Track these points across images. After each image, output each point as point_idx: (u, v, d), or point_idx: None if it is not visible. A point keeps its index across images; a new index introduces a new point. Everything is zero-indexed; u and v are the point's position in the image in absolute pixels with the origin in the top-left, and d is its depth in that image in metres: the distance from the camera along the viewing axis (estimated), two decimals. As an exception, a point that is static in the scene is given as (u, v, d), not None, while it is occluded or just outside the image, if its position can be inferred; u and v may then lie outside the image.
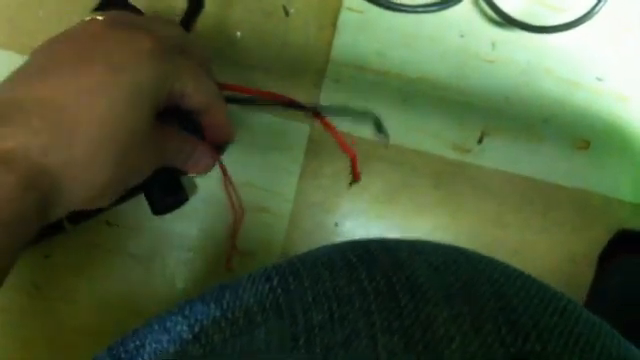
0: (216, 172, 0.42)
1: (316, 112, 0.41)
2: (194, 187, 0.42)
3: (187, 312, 0.28)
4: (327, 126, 0.39)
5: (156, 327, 0.28)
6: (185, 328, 0.27)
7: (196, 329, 0.27)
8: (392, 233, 0.45)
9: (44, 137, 0.23)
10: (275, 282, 0.27)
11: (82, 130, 0.25)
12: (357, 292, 0.24)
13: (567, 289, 0.46)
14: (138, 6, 0.37)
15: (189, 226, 0.42)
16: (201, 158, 0.34)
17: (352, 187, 0.44)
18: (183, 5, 0.40)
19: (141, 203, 0.38)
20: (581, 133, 0.45)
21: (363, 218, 0.44)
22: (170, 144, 0.31)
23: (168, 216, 0.39)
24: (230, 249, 0.41)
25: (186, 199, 0.39)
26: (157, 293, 0.42)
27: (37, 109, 0.24)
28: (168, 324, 0.28)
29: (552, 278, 0.46)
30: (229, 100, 0.37)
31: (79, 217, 0.38)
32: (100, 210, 0.39)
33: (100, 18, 0.29)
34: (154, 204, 0.37)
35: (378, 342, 0.22)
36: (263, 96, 0.39)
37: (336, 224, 0.44)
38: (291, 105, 0.40)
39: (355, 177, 0.43)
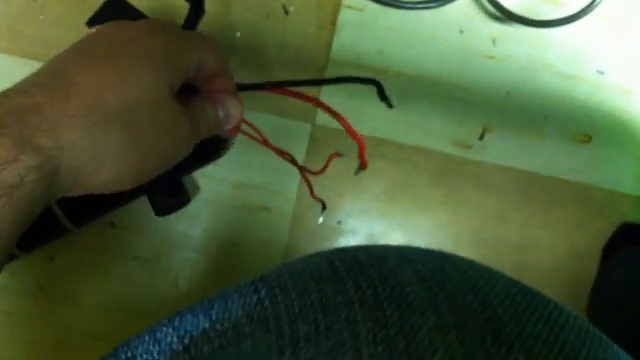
0: (219, 172, 0.42)
1: (319, 102, 0.40)
2: (196, 188, 0.42)
3: (177, 323, 0.28)
4: (333, 114, 0.38)
5: (147, 338, 0.28)
6: (175, 339, 0.27)
7: (186, 340, 0.27)
8: (394, 231, 0.45)
9: (38, 97, 0.23)
10: (263, 294, 0.27)
11: (81, 87, 0.24)
12: (343, 302, 0.24)
13: (571, 284, 0.46)
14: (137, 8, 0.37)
15: (192, 227, 0.42)
16: (229, 108, 0.33)
17: (358, 180, 0.44)
18: (184, 10, 0.40)
19: (144, 205, 0.38)
20: (583, 127, 0.45)
21: (365, 217, 0.44)
22: (206, 109, 0.31)
23: (171, 217, 0.39)
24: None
25: (189, 200, 0.39)
26: (161, 294, 0.42)
27: (35, 79, 0.24)
28: (158, 335, 0.28)
29: (556, 273, 0.46)
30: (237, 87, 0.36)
31: (83, 219, 0.39)
32: (103, 212, 0.39)
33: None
34: (157, 206, 0.37)
35: (363, 353, 0.22)
36: (269, 85, 0.38)
37: (339, 222, 0.44)
38: (296, 85, 0.39)
39: (363, 164, 0.42)
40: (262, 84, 0.38)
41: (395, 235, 0.45)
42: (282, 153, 0.40)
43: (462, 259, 0.27)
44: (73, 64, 0.25)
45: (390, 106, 0.41)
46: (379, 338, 0.22)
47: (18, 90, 0.23)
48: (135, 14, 0.35)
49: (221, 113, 0.32)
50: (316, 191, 0.43)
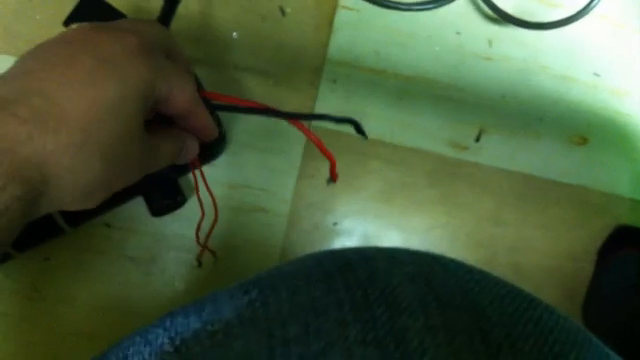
0: (215, 173, 0.42)
1: (296, 120, 0.41)
2: (192, 189, 0.42)
3: (168, 324, 0.28)
4: (307, 134, 0.39)
5: (138, 339, 0.28)
6: (166, 340, 0.27)
7: (177, 341, 0.27)
8: (390, 232, 0.45)
9: (30, 125, 0.23)
10: (254, 295, 0.27)
11: (70, 118, 0.24)
12: (333, 303, 0.24)
13: (566, 285, 0.46)
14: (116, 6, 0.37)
15: (188, 227, 0.42)
16: (190, 148, 0.34)
17: (354, 181, 0.44)
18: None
19: (140, 205, 0.38)
20: (578, 129, 0.45)
21: (361, 217, 0.44)
22: (164, 144, 0.31)
23: (167, 218, 0.39)
24: (203, 248, 0.41)
25: (184, 201, 0.39)
26: (157, 295, 0.42)
27: (24, 99, 0.24)
28: (150, 336, 0.28)
29: (551, 274, 0.46)
30: (215, 107, 0.37)
31: (78, 219, 0.39)
32: (99, 212, 0.39)
33: (86, 24, 0.29)
34: (152, 206, 0.38)
35: (353, 353, 0.22)
36: (246, 105, 0.39)
37: (335, 223, 0.44)
38: (274, 114, 0.40)
39: (333, 178, 0.43)
40: (239, 107, 0.38)
41: (391, 236, 0.45)
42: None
43: (452, 260, 0.27)
44: (58, 78, 0.25)
45: (366, 138, 0.43)
46: (369, 339, 0.22)
47: (6, 110, 0.23)
48: (112, 13, 0.35)
49: (179, 149, 0.33)
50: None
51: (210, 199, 0.39)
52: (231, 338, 0.25)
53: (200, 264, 0.42)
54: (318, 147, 0.41)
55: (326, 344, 0.23)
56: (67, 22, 0.34)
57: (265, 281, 0.28)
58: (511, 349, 0.21)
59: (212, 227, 0.40)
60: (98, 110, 0.25)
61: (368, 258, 0.27)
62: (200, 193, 0.38)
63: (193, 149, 0.34)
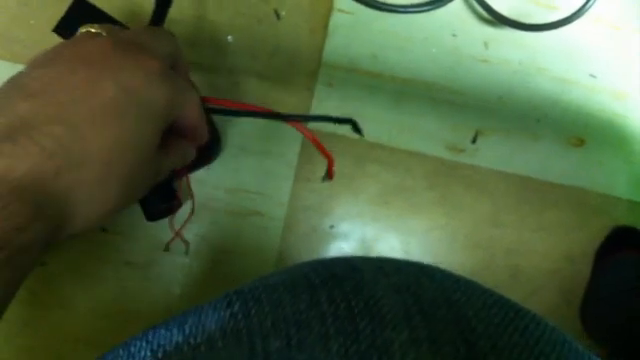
0: (211, 177, 0.42)
1: (297, 121, 0.42)
2: (187, 193, 0.42)
3: (150, 337, 0.28)
4: (304, 133, 0.40)
5: (121, 352, 0.28)
6: (148, 353, 0.27)
7: (159, 354, 0.27)
8: (388, 235, 0.45)
9: (57, 160, 0.23)
10: (236, 307, 0.27)
11: (93, 152, 0.24)
12: (316, 316, 0.24)
13: (564, 287, 0.46)
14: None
15: (185, 232, 0.42)
16: (189, 154, 0.34)
17: (351, 184, 0.44)
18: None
19: (136, 210, 0.38)
20: (575, 131, 0.45)
21: (358, 220, 0.44)
22: (171, 155, 0.31)
23: (162, 222, 0.39)
24: (175, 235, 0.42)
25: (179, 205, 0.39)
26: (154, 299, 0.42)
27: (47, 129, 0.23)
28: (132, 349, 0.28)
29: (549, 276, 0.46)
30: (213, 111, 0.37)
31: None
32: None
33: (94, 31, 0.29)
34: (148, 210, 0.37)
35: None
36: (245, 108, 0.39)
37: (331, 226, 0.44)
38: (273, 117, 0.40)
39: (329, 176, 0.43)
40: (237, 111, 0.38)
41: (389, 238, 0.45)
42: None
43: (440, 271, 0.27)
44: (80, 108, 0.24)
45: (362, 136, 0.44)
46: (351, 352, 0.22)
47: (31, 138, 0.22)
48: (103, 18, 0.35)
49: (183, 158, 0.33)
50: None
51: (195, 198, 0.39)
52: (214, 351, 0.25)
53: (167, 249, 0.42)
54: (316, 146, 0.41)
55: (308, 358, 0.23)
56: (57, 29, 0.34)
57: (249, 293, 0.28)
58: None
59: (189, 217, 0.41)
60: (120, 144, 0.25)
61: (355, 269, 0.27)
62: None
63: (192, 154, 0.34)
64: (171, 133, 0.30)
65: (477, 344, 0.22)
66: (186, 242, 0.42)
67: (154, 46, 0.29)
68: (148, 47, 0.28)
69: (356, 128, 0.43)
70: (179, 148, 0.32)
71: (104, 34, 0.29)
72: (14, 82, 0.25)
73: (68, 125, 0.23)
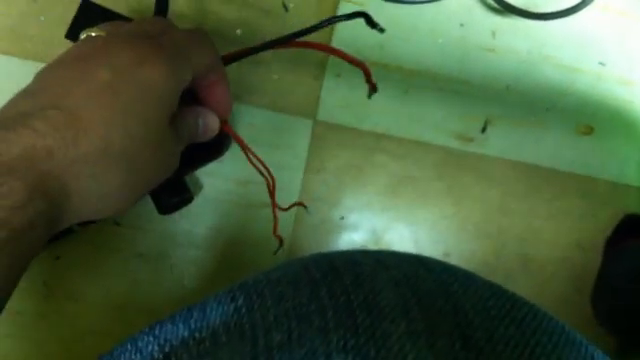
0: (221, 170, 0.42)
1: (306, 35, 0.36)
2: (199, 186, 0.42)
3: (157, 332, 0.28)
4: (335, 52, 0.36)
5: (129, 347, 0.28)
6: (156, 348, 0.27)
7: (166, 349, 0.27)
8: (397, 225, 0.45)
9: (49, 139, 0.23)
10: (240, 302, 0.27)
11: (88, 127, 0.24)
12: (317, 310, 0.25)
13: (574, 275, 0.46)
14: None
15: (196, 224, 0.42)
16: (210, 123, 0.33)
17: (360, 175, 0.44)
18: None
19: (148, 203, 0.38)
20: (584, 119, 0.45)
21: (368, 211, 0.44)
22: (182, 124, 0.31)
23: (175, 215, 0.40)
24: (275, 217, 0.41)
25: (191, 198, 0.39)
26: (167, 292, 0.42)
27: (41, 113, 0.23)
28: (140, 344, 0.28)
29: (559, 265, 0.46)
30: (234, 58, 0.35)
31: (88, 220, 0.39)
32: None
33: (95, 34, 0.29)
34: (160, 204, 0.38)
35: None
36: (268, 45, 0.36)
37: (341, 218, 0.44)
38: (297, 36, 0.37)
39: (372, 87, 0.40)
40: (265, 45, 0.36)
41: (398, 229, 0.45)
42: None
43: (439, 263, 0.27)
44: (75, 93, 0.25)
45: (382, 31, 0.37)
46: (349, 345, 0.23)
47: (24, 124, 0.23)
48: (112, 17, 0.34)
49: (200, 124, 0.32)
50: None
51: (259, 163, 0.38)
52: (217, 346, 0.26)
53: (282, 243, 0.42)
54: (344, 58, 0.37)
55: (308, 351, 0.23)
56: (68, 35, 0.33)
57: (252, 287, 0.28)
58: (492, 352, 0.22)
59: (273, 188, 0.40)
60: (118, 116, 0.25)
61: (355, 263, 0.27)
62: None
63: (213, 123, 0.33)
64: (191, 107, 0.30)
65: (473, 336, 0.22)
66: (301, 204, 0.42)
67: (147, 29, 0.29)
68: (139, 32, 0.29)
69: (370, 21, 0.37)
70: (189, 114, 0.32)
71: (104, 35, 0.29)
72: (21, 90, 0.26)
73: (63, 109, 0.24)
